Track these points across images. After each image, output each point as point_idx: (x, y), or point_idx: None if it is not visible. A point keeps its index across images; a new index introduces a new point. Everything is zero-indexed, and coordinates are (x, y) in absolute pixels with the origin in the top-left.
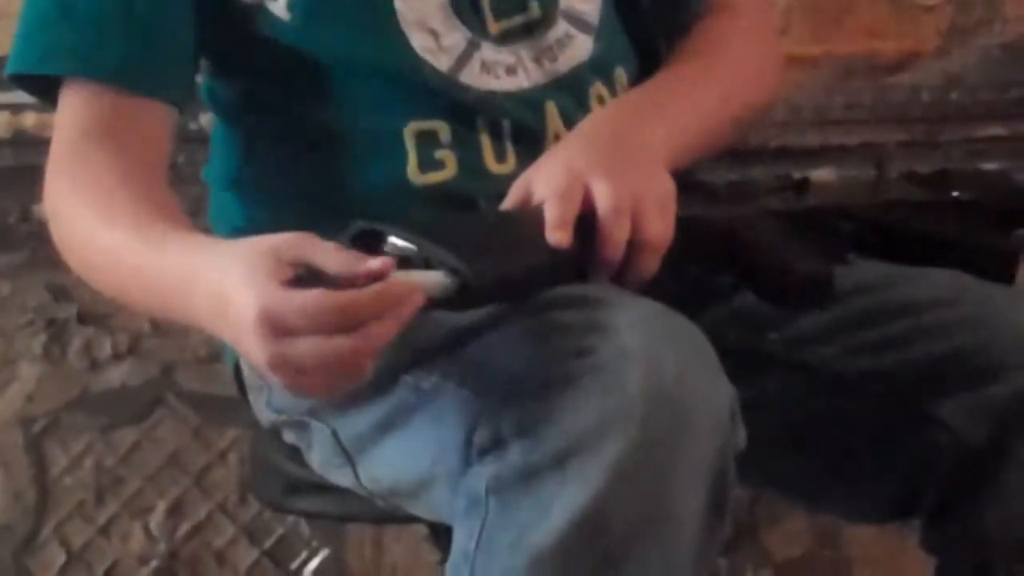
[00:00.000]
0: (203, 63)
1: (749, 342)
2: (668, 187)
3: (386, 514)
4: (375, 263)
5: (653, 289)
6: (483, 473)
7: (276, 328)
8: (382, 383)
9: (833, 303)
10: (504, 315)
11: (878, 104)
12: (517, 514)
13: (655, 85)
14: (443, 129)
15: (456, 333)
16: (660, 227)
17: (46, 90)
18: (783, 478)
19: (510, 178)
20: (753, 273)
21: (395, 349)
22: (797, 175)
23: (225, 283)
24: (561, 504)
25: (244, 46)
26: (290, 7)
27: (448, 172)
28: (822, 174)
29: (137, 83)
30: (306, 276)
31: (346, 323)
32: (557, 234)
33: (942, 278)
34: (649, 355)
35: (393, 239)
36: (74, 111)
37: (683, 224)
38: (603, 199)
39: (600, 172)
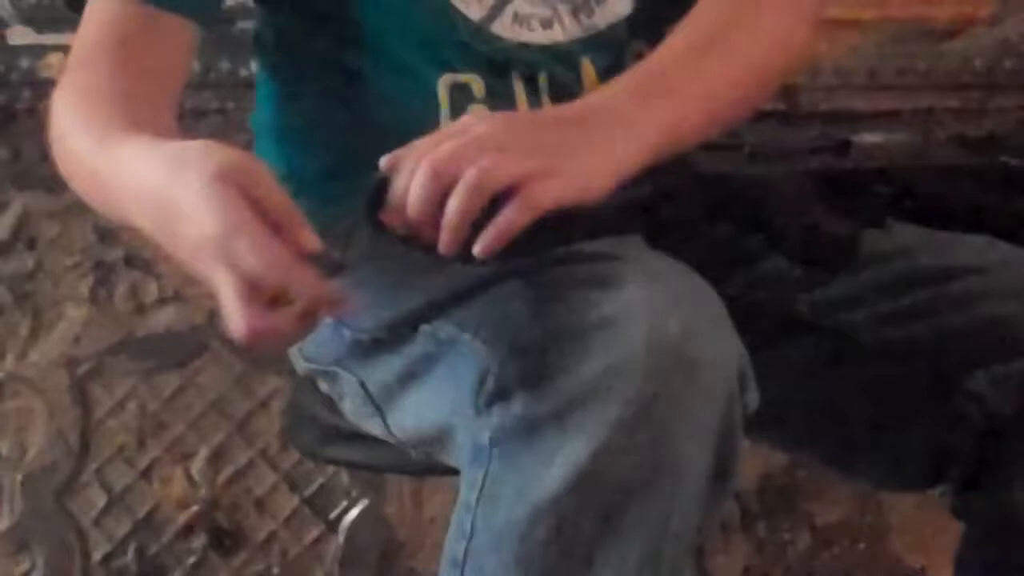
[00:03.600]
0: (254, 7)
1: (780, 305)
2: (577, 176)
3: (421, 465)
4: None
5: (683, 247)
6: (488, 424)
7: (236, 178)
8: (403, 333)
9: (861, 267)
10: (519, 267)
11: (931, 70)
12: (518, 466)
13: (657, 61)
14: (476, 82)
15: (472, 283)
16: (484, 166)
17: None
18: (813, 443)
19: None
20: (780, 233)
21: (413, 299)
22: (839, 137)
23: (181, 155)
24: (561, 458)
25: None
26: None
27: None
28: (868, 137)
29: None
30: None
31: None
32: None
33: (976, 245)
34: (654, 311)
35: None
36: (94, 21)
37: (714, 182)
38: (448, 143)
39: (493, 132)
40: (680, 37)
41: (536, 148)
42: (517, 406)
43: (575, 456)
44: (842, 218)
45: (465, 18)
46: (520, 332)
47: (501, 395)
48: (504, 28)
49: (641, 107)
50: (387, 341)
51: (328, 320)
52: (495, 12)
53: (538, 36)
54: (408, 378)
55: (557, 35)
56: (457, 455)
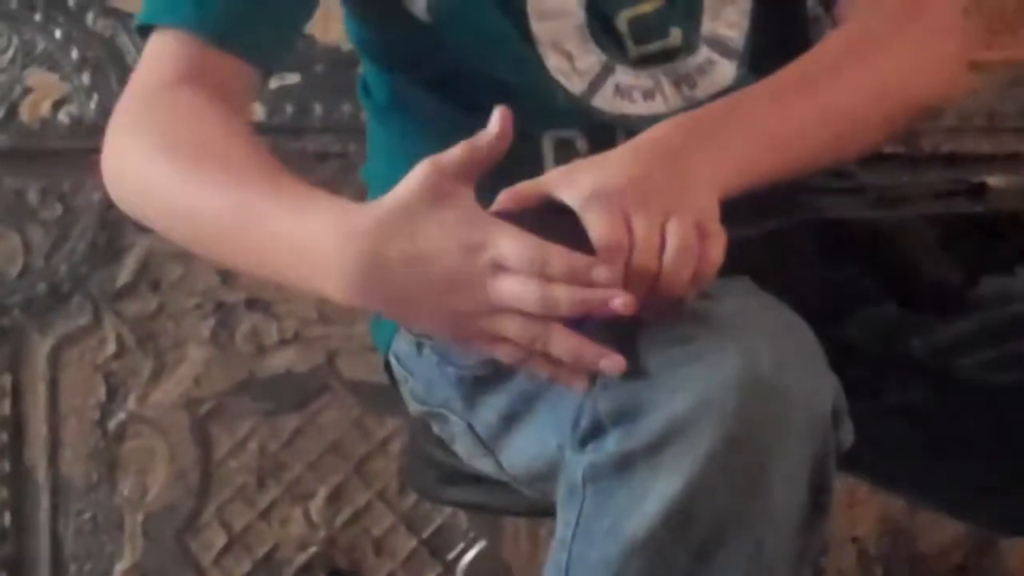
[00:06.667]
0: (361, 58)
1: (894, 348)
2: (706, 209)
3: (538, 506)
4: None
5: (794, 289)
6: (582, 461)
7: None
8: (503, 370)
9: (976, 311)
10: None
11: None
12: (612, 503)
13: (738, 98)
14: (580, 139)
15: (566, 319)
16: (684, 262)
17: None
18: (928, 487)
19: None
20: (894, 278)
21: None
22: (974, 180)
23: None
24: (654, 494)
25: (389, 42)
26: (429, 9)
27: None
28: (995, 180)
29: (230, 39)
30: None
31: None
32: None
33: None
34: (746, 345)
35: None
36: (159, 58)
37: (834, 225)
38: (641, 238)
39: (637, 201)
40: (761, 83)
41: (680, 216)
42: (610, 442)
43: (668, 492)
44: (961, 264)
45: (567, 91)
46: None
47: (595, 432)
48: (605, 101)
49: (715, 145)
50: (489, 379)
51: (434, 359)
52: (596, 85)
53: (639, 108)
54: (513, 417)
55: (658, 107)
56: None
